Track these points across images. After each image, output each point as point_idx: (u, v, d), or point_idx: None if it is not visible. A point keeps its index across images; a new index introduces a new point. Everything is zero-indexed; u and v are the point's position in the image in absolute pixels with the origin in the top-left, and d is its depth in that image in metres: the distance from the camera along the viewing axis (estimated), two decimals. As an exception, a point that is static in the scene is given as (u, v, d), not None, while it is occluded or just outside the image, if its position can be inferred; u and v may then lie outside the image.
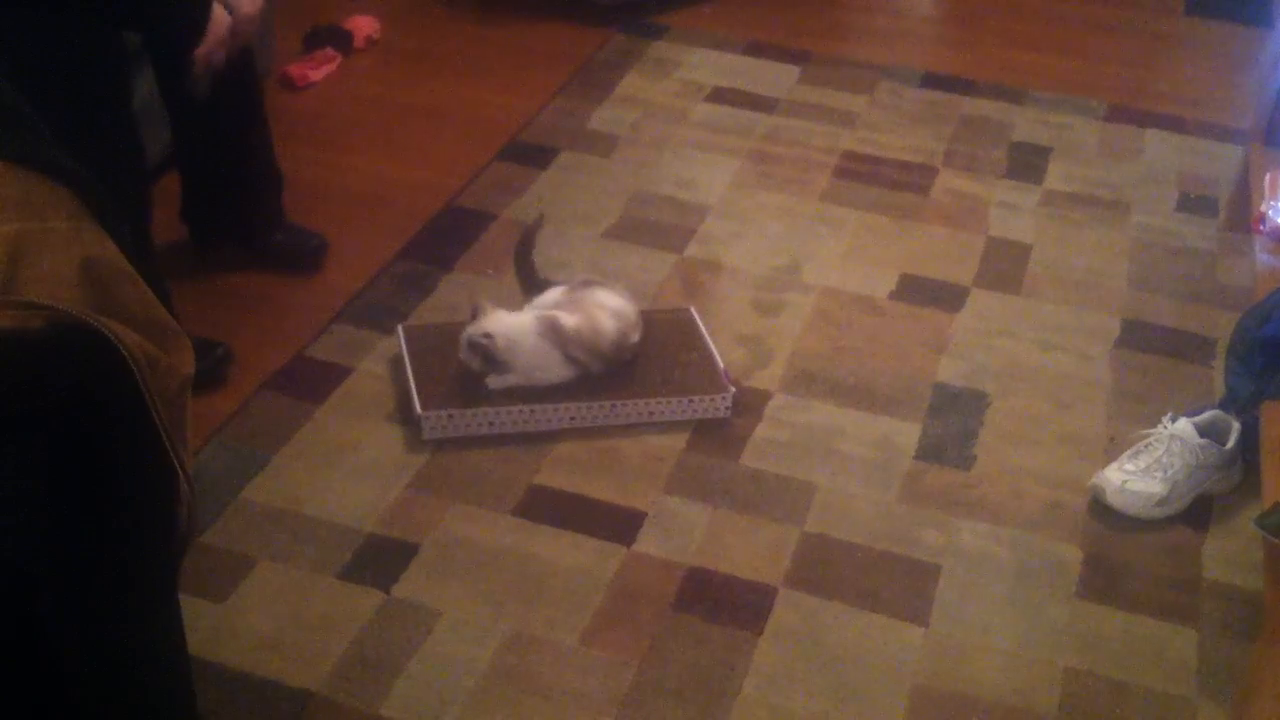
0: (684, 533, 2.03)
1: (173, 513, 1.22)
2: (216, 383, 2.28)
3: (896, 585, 1.96)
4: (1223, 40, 3.75)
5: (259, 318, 2.46)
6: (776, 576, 1.96)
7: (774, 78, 3.38)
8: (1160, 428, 2.14)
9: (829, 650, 1.85)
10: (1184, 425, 2.12)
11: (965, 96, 3.34)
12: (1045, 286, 2.64)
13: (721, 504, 2.09)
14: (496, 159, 2.98)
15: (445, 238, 2.69)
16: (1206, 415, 2.16)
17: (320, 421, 2.21)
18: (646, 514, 2.06)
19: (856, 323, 2.51)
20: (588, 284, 2.33)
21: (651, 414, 2.23)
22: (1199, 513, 2.12)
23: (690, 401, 2.24)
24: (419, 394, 2.20)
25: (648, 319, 2.37)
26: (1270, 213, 2.45)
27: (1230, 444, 2.13)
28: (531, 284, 2.40)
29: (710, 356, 2.33)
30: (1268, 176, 2.56)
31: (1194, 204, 2.94)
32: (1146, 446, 2.13)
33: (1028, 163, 3.07)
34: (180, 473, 1.18)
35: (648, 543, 2.01)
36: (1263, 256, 2.42)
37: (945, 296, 2.59)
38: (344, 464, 2.13)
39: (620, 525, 2.04)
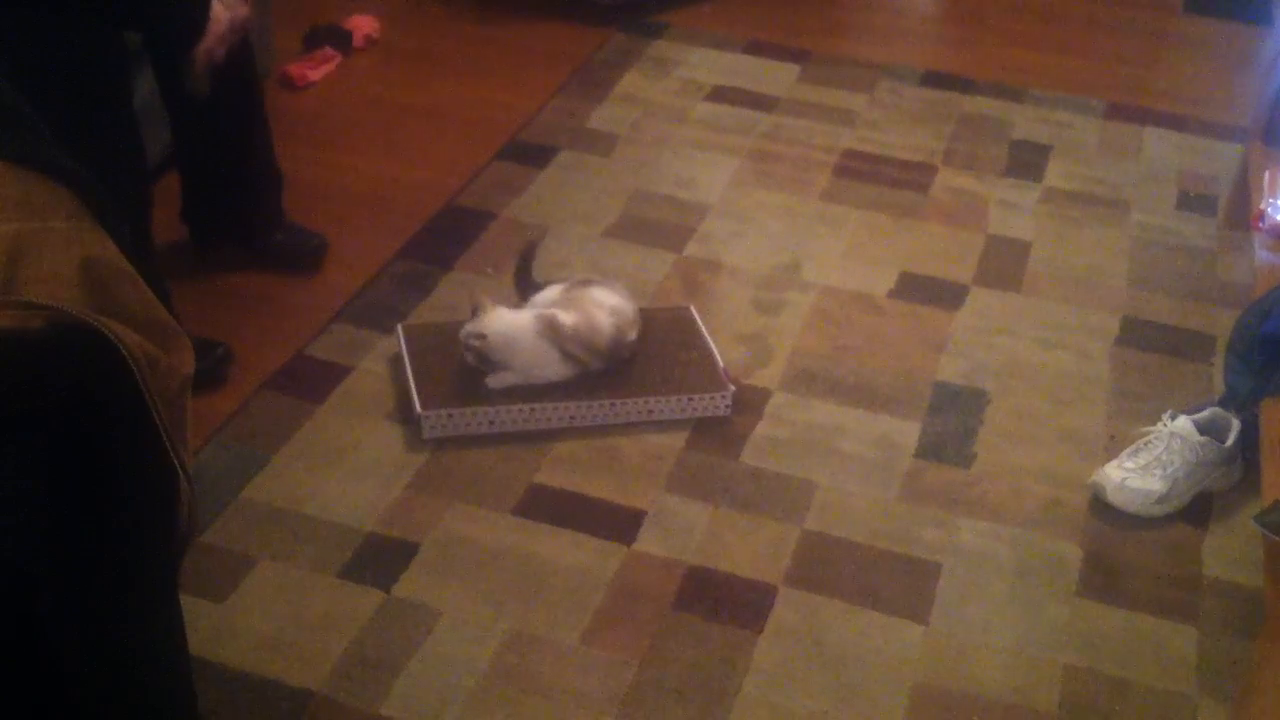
0: (684, 532, 2.03)
1: (173, 513, 1.22)
2: (216, 383, 2.28)
3: (896, 584, 1.96)
4: (1222, 38, 3.75)
5: (259, 318, 2.46)
6: (777, 575, 1.96)
7: (774, 76, 3.38)
8: (1160, 425, 2.14)
9: (829, 649, 1.85)
10: (1184, 423, 2.12)
11: (965, 95, 3.34)
12: (1045, 284, 2.64)
13: (721, 503, 2.09)
14: (496, 158, 2.98)
15: (445, 237, 2.69)
16: (1206, 413, 2.16)
17: (320, 421, 2.21)
18: (646, 513, 2.06)
19: (856, 321, 2.51)
20: (585, 282, 2.33)
21: (651, 413, 2.23)
22: (1199, 510, 2.12)
23: (690, 400, 2.24)
24: (419, 393, 2.20)
25: (647, 317, 2.37)
26: (1269, 210, 2.45)
27: (1230, 441, 2.13)
28: (529, 296, 2.40)
29: (710, 355, 2.33)
30: (1267, 174, 2.56)
31: (1193, 202, 2.95)
32: (1146, 444, 2.13)
33: (1027, 161, 3.07)
34: (180, 472, 1.18)
35: (648, 542, 2.01)
36: (1262, 254, 2.41)
37: (945, 295, 2.59)
38: (344, 463, 2.13)
39: (620, 524, 2.04)
